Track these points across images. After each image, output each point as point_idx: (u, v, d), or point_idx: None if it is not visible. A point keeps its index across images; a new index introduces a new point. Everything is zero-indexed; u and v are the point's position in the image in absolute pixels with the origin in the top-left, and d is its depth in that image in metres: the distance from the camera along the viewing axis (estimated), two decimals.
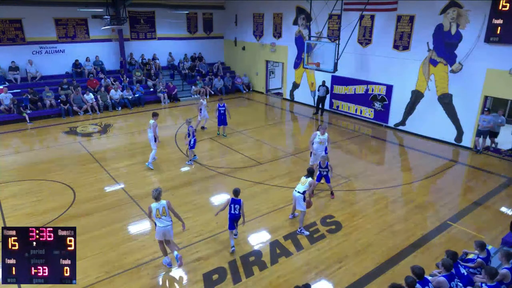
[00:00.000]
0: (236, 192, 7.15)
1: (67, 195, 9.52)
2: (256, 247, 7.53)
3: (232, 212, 7.13)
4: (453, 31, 12.73)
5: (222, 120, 13.70)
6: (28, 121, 15.66)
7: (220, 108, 13.62)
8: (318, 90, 17.11)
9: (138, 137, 14.18)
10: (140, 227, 8.21)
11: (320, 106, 17.23)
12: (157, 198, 6.44)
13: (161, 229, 6.52)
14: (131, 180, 10.32)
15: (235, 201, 7.13)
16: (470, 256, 6.64)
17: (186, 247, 7.43)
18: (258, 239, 7.81)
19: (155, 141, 10.86)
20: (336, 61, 14.24)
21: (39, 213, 8.63)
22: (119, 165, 11.35)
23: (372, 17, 15.12)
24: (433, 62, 13.50)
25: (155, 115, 10.86)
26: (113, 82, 18.54)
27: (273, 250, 7.43)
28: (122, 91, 18.15)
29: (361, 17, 15.10)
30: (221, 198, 9.56)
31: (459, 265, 5.98)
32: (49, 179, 10.39)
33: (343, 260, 7.12)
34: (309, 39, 16.20)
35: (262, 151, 12.83)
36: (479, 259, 6.24)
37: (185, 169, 11.27)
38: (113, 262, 6.97)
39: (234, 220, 7.22)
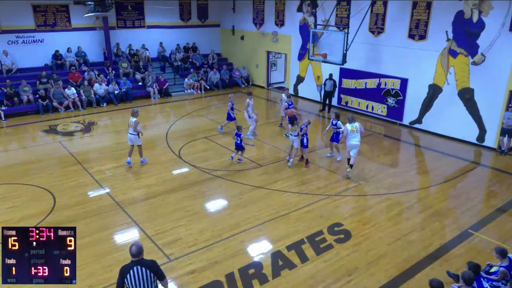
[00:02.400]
0: (238, 128, 11.34)
1: (46, 200, 9.53)
2: (256, 259, 7.53)
3: (236, 141, 11.34)
4: (474, 19, 12.74)
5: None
6: (3, 119, 15.66)
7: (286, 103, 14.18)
8: (325, 84, 17.12)
9: (125, 137, 14.03)
10: (127, 236, 8.21)
11: (327, 102, 17.24)
12: (133, 115, 10.91)
13: (130, 135, 11.03)
14: (117, 185, 10.33)
15: (237, 134, 11.24)
16: (494, 269, 6.63)
17: (178, 258, 7.44)
18: (259, 250, 7.82)
19: (249, 117, 13.70)
20: (345, 52, 14.25)
21: (15, 220, 8.63)
22: (104, 168, 11.37)
23: (385, 3, 15.13)
24: (453, 53, 13.52)
25: (250, 94, 13.91)
26: (97, 75, 18.56)
27: (275, 261, 7.43)
28: (107, 85, 18.17)
29: (373, 3, 15.11)
30: (217, 204, 9.59)
31: (482, 278, 5.98)
32: (26, 183, 10.40)
33: (352, 273, 7.13)
34: (315, 27, 16.23)
35: (262, 152, 12.85)
36: (502, 269, 6.24)
37: (177, 171, 11.30)
38: (97, 275, 6.96)
39: (236, 147, 11.46)
